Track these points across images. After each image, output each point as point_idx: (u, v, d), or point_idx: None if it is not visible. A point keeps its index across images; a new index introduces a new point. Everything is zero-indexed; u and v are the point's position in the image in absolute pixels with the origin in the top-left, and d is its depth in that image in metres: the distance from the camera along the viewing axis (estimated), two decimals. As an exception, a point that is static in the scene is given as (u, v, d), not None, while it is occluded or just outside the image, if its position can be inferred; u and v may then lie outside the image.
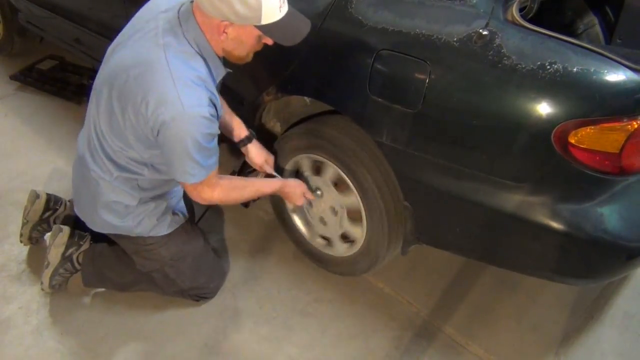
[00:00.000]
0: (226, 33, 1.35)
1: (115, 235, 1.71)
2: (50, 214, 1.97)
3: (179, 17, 1.38)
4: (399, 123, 1.46)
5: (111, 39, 2.36)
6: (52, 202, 1.98)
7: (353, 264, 1.86)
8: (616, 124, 1.22)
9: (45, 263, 1.80)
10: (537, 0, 1.59)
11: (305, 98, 1.75)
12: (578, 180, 1.31)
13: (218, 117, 1.44)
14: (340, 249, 1.87)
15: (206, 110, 1.35)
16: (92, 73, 2.96)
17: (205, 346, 1.75)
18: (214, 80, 1.44)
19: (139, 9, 2.04)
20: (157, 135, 1.38)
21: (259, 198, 1.76)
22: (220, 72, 1.49)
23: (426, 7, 1.41)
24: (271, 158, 1.83)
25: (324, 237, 1.93)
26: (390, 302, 1.91)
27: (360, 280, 1.97)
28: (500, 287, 1.96)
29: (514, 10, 1.33)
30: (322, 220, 1.86)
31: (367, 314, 1.86)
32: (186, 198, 1.79)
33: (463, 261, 2.02)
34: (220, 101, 1.73)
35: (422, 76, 1.37)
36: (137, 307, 1.85)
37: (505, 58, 1.27)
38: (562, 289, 1.95)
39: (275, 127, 1.99)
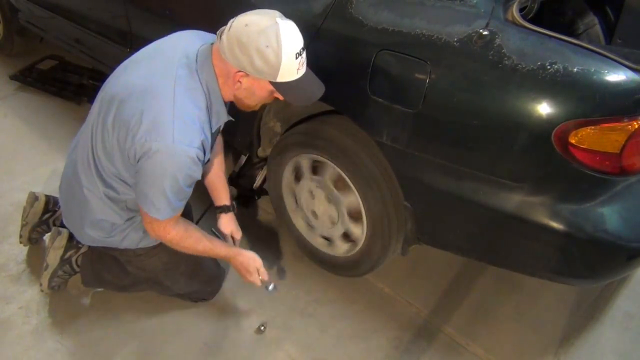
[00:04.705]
0: (240, 82, 1.36)
1: (104, 247, 1.69)
2: (50, 215, 1.97)
3: (197, 56, 1.39)
4: (399, 123, 1.46)
5: (111, 39, 2.36)
6: (51, 204, 1.97)
7: (353, 264, 1.86)
8: (616, 124, 1.22)
9: (44, 265, 1.80)
10: (538, 0, 1.59)
11: (306, 98, 1.75)
12: (578, 180, 1.31)
13: (204, 161, 1.42)
14: (341, 249, 1.88)
15: (194, 152, 1.33)
16: (92, 73, 2.96)
17: (205, 346, 1.75)
18: (211, 125, 1.43)
19: (140, 9, 2.04)
20: (138, 160, 1.35)
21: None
22: (223, 118, 1.48)
23: (426, 7, 1.41)
24: (238, 234, 1.83)
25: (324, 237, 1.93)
26: (390, 302, 1.91)
27: (360, 281, 1.96)
28: (500, 287, 1.96)
29: (514, 11, 1.33)
30: (331, 219, 1.86)
31: (367, 314, 1.86)
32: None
33: (463, 261, 2.02)
34: (218, 148, 1.71)
35: (422, 76, 1.37)
36: (136, 308, 1.85)
37: (505, 58, 1.27)
38: (562, 289, 1.95)
39: (275, 127, 1.99)
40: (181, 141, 1.31)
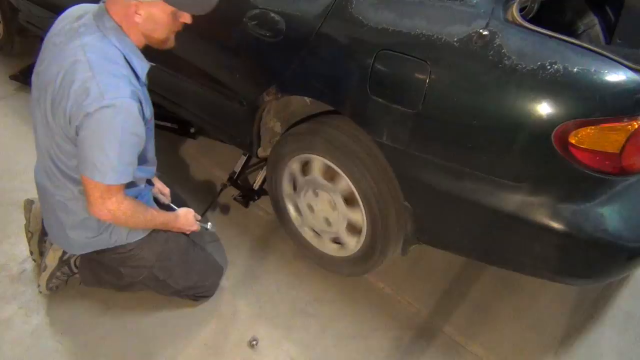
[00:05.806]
0: (139, 14, 1.37)
1: (97, 252, 1.68)
2: None
3: (94, 20, 1.40)
4: (399, 123, 1.46)
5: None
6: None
7: (353, 264, 1.86)
8: (616, 124, 1.22)
9: (43, 266, 1.80)
10: (538, 0, 1.59)
11: (306, 98, 1.75)
12: (578, 180, 1.31)
13: (145, 114, 1.42)
14: (329, 248, 1.88)
15: (127, 102, 1.33)
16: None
17: (205, 346, 1.75)
18: (137, 75, 1.44)
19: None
20: (80, 131, 1.35)
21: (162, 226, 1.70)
22: (145, 65, 1.48)
23: (426, 7, 1.41)
24: (166, 188, 1.86)
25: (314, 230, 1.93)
26: (390, 302, 1.91)
27: (360, 280, 1.97)
28: (500, 287, 1.96)
29: (514, 10, 1.33)
30: (327, 221, 1.86)
31: (367, 314, 1.86)
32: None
33: (463, 261, 2.02)
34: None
35: (422, 76, 1.37)
36: (136, 308, 1.85)
37: (505, 58, 1.27)
38: (562, 288, 1.95)
39: (276, 127, 1.99)
40: (110, 97, 1.31)
